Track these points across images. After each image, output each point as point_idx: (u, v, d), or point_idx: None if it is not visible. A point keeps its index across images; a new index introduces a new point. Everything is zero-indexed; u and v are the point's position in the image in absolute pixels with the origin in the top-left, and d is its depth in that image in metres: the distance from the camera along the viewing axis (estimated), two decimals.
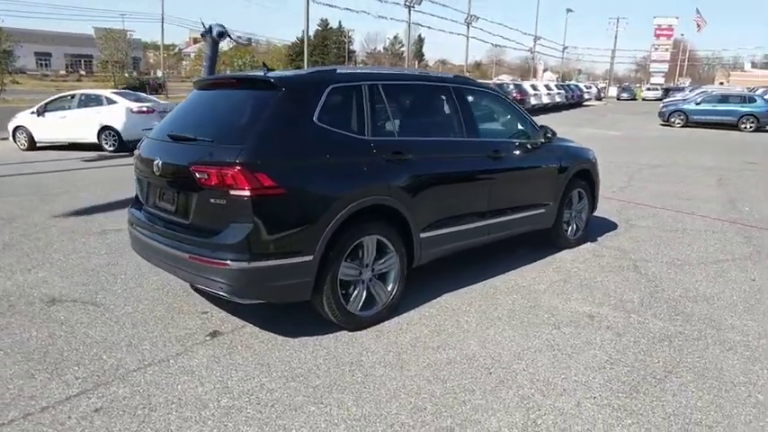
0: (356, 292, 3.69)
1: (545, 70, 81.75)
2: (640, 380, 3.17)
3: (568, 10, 57.97)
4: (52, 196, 7.90)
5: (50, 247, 5.52)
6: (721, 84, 67.10)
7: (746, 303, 4.34)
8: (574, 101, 35.15)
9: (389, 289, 3.86)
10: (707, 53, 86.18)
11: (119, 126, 13.39)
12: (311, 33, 79.12)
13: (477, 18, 41.40)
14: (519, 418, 2.78)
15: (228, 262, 3.14)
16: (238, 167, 3.09)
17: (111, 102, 13.90)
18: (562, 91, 32.57)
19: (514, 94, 24.68)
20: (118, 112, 13.55)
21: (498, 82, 32.33)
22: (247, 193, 3.09)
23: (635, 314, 4.09)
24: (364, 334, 3.68)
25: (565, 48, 61.58)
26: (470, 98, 4.59)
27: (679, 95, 32.96)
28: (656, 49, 60.54)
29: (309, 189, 3.34)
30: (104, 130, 13.50)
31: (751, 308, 4.25)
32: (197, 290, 4.38)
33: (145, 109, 13.87)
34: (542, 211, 5.20)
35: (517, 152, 4.81)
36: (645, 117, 28.83)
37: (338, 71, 3.85)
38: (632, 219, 7.11)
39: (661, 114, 23.94)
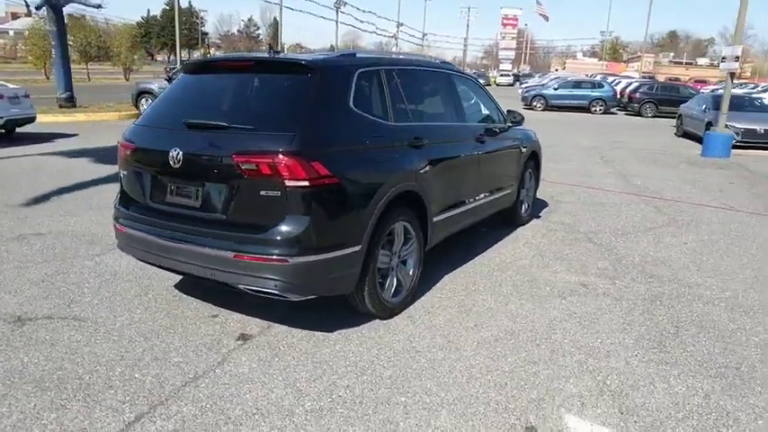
0: (389, 279, 3.69)
1: (400, 56, 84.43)
2: (659, 336, 3.62)
3: None
4: None
5: None
6: (556, 70, 74.93)
7: (695, 264, 5.09)
8: None
9: (411, 274, 3.91)
10: (543, 42, 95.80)
11: None
12: (157, 13, 73.07)
13: (345, 3, 41.66)
14: (590, 381, 3.04)
15: (287, 258, 2.97)
16: (294, 156, 2.92)
17: None
18: None
19: None
20: None
21: None
22: (305, 183, 2.93)
23: (617, 280, 4.60)
24: (398, 321, 3.70)
25: (425, 35, 64.43)
26: (458, 84, 4.74)
27: (531, 81, 36.29)
28: (504, 37, 65.99)
29: (357, 177, 3.26)
30: None
31: (701, 267, 5.00)
32: (187, 291, 4.03)
33: None
34: (510, 191, 5.56)
35: (493, 136, 5.08)
36: (508, 101, 31.26)
37: (358, 55, 3.76)
38: (555, 195, 7.83)
39: (524, 99, 26.30)
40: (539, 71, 63.60)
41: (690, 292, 4.38)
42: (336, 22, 43.62)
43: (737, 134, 13.18)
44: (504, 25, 64.77)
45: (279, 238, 2.98)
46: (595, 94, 24.55)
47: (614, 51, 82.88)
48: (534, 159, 6.27)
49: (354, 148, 3.31)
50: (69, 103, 16.09)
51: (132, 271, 4.43)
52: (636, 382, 3.05)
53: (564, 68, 71.47)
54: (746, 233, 6.23)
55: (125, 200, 3.63)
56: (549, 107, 24.85)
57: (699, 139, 14.82)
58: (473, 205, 4.76)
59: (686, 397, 2.94)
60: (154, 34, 64.99)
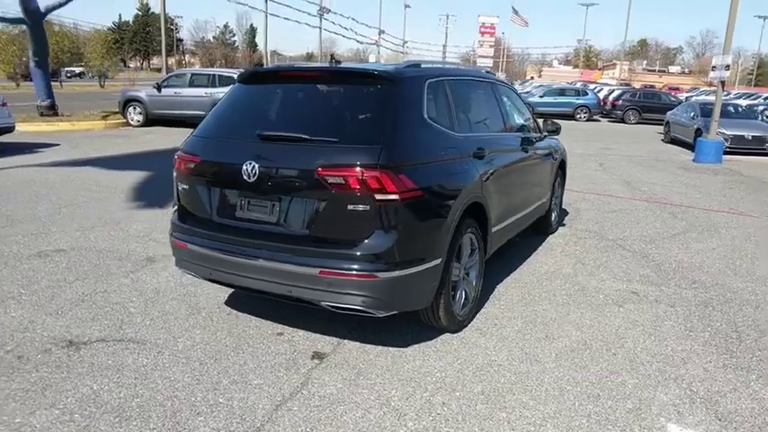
0: (458, 292, 3.66)
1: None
2: (724, 342, 3.67)
3: (406, 6, 61.14)
4: None
5: None
6: (532, 78, 76.08)
7: (730, 269, 5.19)
8: None
9: (474, 285, 3.88)
10: (518, 50, 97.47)
11: None
12: (129, 19, 71.84)
13: (329, 11, 41.91)
14: (677, 389, 3.06)
15: (376, 273, 2.92)
16: (384, 169, 2.88)
17: None
18: None
19: None
20: None
21: None
22: (395, 196, 2.89)
23: (663, 287, 4.66)
24: (468, 334, 3.67)
25: (405, 42, 64.71)
26: (502, 93, 4.76)
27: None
28: (482, 45, 66.79)
29: (437, 189, 3.23)
30: None
31: (737, 272, 5.11)
32: (240, 308, 3.92)
33: None
34: (545, 199, 5.60)
35: (531, 145, 5.11)
36: None
37: (422, 65, 3.73)
38: (572, 203, 7.91)
39: None
40: (516, 79, 64.61)
41: (736, 298, 4.46)
42: (320, 29, 43.66)
43: (727, 140, 13.56)
44: (482, 33, 65.47)
45: (368, 253, 2.93)
46: (579, 101, 25.04)
47: (587, 59, 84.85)
48: (562, 168, 6.33)
49: (432, 160, 3.28)
50: (51, 111, 15.63)
51: (174, 288, 4.31)
52: (721, 389, 3.08)
53: (540, 76, 72.66)
54: (766, 239, 6.39)
55: (185, 215, 3.52)
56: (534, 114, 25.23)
57: (687, 145, 15.23)
58: (521, 214, 4.78)
59: None
60: (126, 40, 63.75)
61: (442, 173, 3.32)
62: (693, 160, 13.04)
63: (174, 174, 3.56)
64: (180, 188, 3.53)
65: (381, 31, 56.10)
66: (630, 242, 5.98)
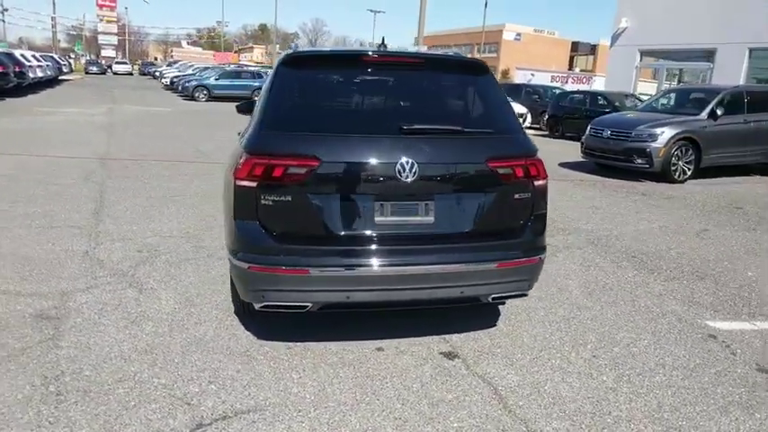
0: None
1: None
2: (642, 264, 5.09)
3: None
4: None
5: None
6: (156, 59, 73.07)
7: (565, 218, 6.88)
8: (56, 74, 31.84)
9: None
10: (136, 28, 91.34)
11: None
12: None
13: None
14: (674, 300, 4.24)
15: (540, 256, 3.19)
16: (536, 156, 3.15)
17: None
18: (50, 63, 28.88)
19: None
20: None
21: None
22: (544, 181, 3.21)
23: (554, 237, 5.92)
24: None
25: (5, 9, 52.06)
26: None
27: (170, 72, 35.10)
28: (102, 20, 60.04)
29: None
30: None
31: (566, 216, 6.82)
32: (288, 338, 3.39)
33: None
34: None
35: None
36: (153, 92, 29.66)
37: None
38: None
39: (184, 89, 25.51)
40: (141, 59, 60.91)
41: (600, 236, 6.04)
42: None
43: None
44: (101, 6, 58.88)
45: (532, 237, 3.17)
46: (256, 83, 25.75)
47: (212, 40, 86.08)
48: None
49: None
50: None
51: (164, 343, 3.34)
52: (692, 291, 4.46)
53: (165, 57, 70.15)
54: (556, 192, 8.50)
55: (281, 235, 2.85)
56: (212, 97, 24.85)
57: None
58: None
59: (741, 288, 4.51)
60: None
61: None
62: None
63: (253, 184, 2.81)
64: (266, 202, 2.81)
65: None
66: None
